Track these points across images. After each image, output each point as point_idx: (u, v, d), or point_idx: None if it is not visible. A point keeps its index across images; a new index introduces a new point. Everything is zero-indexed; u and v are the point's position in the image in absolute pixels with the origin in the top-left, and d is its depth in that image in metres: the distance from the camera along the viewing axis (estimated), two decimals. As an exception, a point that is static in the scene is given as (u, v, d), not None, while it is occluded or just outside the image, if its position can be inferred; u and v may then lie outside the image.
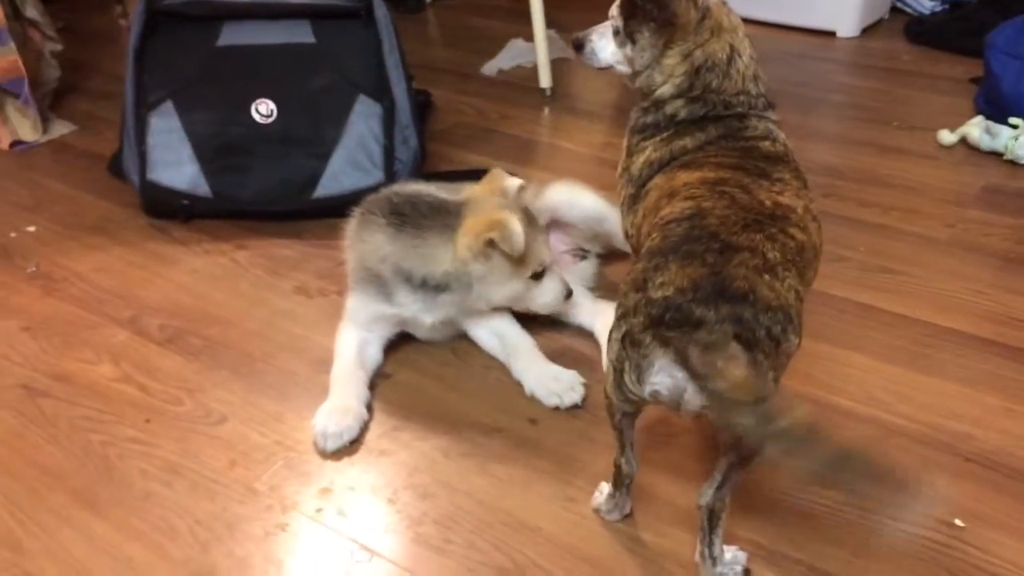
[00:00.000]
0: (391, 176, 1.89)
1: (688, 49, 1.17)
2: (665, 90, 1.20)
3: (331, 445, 1.31)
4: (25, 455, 1.31)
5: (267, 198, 1.89)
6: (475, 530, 1.17)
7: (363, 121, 1.89)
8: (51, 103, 2.45)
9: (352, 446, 1.32)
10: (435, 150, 2.15)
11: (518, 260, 1.35)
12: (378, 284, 1.43)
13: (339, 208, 1.85)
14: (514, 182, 1.41)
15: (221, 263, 1.78)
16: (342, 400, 1.36)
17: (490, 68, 2.72)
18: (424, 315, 1.44)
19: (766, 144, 1.16)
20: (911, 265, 1.71)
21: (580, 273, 1.62)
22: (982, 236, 1.80)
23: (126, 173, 1.95)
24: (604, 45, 1.26)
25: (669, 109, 1.20)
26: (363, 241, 1.43)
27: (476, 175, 1.49)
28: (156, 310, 1.64)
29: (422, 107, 2.26)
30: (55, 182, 2.11)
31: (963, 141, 2.14)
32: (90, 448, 1.32)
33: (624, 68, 1.25)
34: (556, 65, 2.59)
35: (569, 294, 1.45)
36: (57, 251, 1.83)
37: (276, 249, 1.82)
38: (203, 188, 1.87)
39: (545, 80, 2.50)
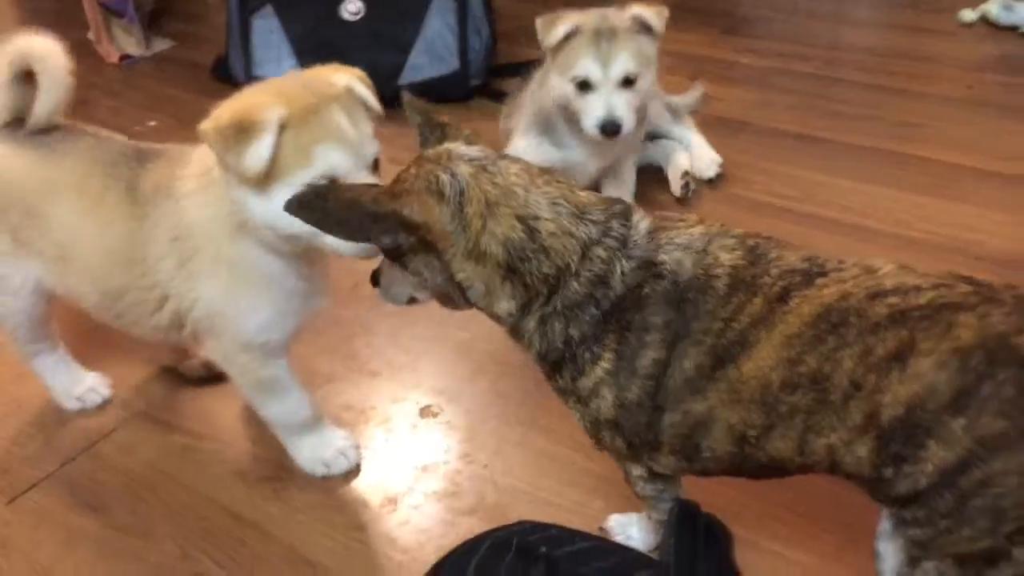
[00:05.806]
0: (466, 63, 2.13)
1: (469, 248, 0.84)
2: (502, 307, 0.88)
3: None
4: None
5: (358, 88, 2.14)
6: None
7: (439, 16, 2.13)
8: (148, 23, 2.70)
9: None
10: (501, 49, 2.37)
11: None
12: (550, 128, 1.57)
13: (421, 95, 2.11)
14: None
15: (323, 143, 2.04)
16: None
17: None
18: (590, 161, 1.59)
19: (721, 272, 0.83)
20: (935, 119, 1.92)
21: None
22: (998, 95, 2.00)
23: (232, 72, 2.21)
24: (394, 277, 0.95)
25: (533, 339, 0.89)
26: (543, 86, 1.55)
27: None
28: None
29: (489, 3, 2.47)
30: (165, 87, 2.38)
31: (983, 19, 2.33)
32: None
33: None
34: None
35: None
36: (179, 140, 2.08)
37: (369, 131, 2.07)
38: (301, 81, 2.13)
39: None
